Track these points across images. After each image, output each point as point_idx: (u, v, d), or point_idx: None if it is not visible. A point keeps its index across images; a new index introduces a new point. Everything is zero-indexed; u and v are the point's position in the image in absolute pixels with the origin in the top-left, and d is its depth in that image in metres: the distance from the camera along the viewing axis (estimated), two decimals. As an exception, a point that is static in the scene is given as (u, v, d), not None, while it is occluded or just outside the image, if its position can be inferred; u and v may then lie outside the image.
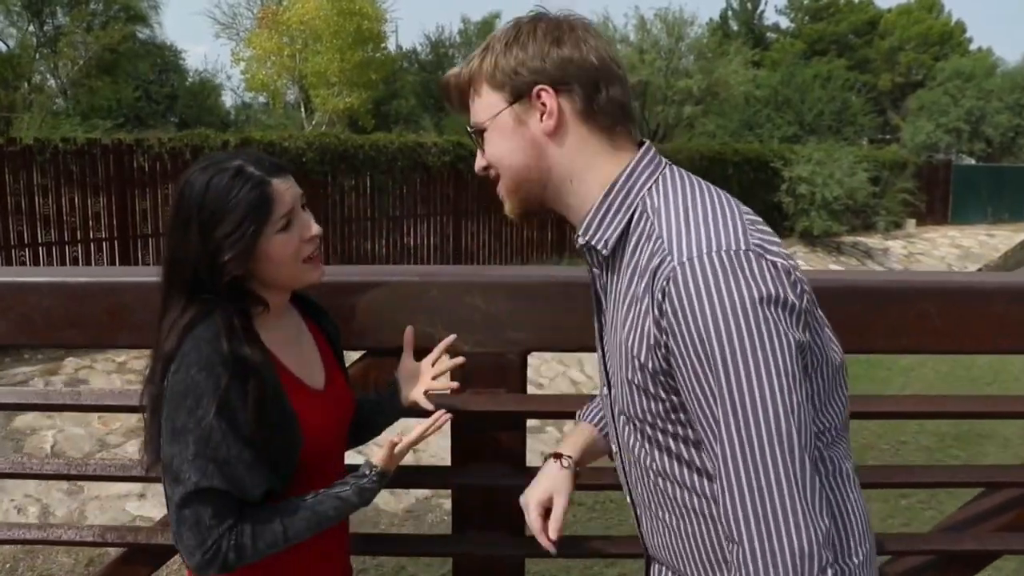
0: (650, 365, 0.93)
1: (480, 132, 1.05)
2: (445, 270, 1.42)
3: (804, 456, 0.87)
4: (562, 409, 1.33)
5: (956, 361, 9.01)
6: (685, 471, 0.99)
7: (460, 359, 1.31)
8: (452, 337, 1.31)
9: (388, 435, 1.26)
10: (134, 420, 6.34)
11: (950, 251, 19.36)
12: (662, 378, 0.94)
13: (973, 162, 28.70)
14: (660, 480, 1.03)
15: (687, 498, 1.01)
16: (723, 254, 0.89)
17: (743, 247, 0.89)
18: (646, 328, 0.93)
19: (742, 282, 0.87)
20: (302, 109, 16.84)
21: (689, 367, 0.89)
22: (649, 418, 0.98)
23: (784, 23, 41.62)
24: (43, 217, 7.68)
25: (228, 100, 24.80)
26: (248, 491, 1.12)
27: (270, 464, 1.14)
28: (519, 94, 1.01)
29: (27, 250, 7.71)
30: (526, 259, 12.40)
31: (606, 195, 1.00)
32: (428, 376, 1.30)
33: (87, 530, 1.57)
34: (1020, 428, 6.32)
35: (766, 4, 49.02)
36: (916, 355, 9.46)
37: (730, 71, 19.68)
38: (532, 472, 1.26)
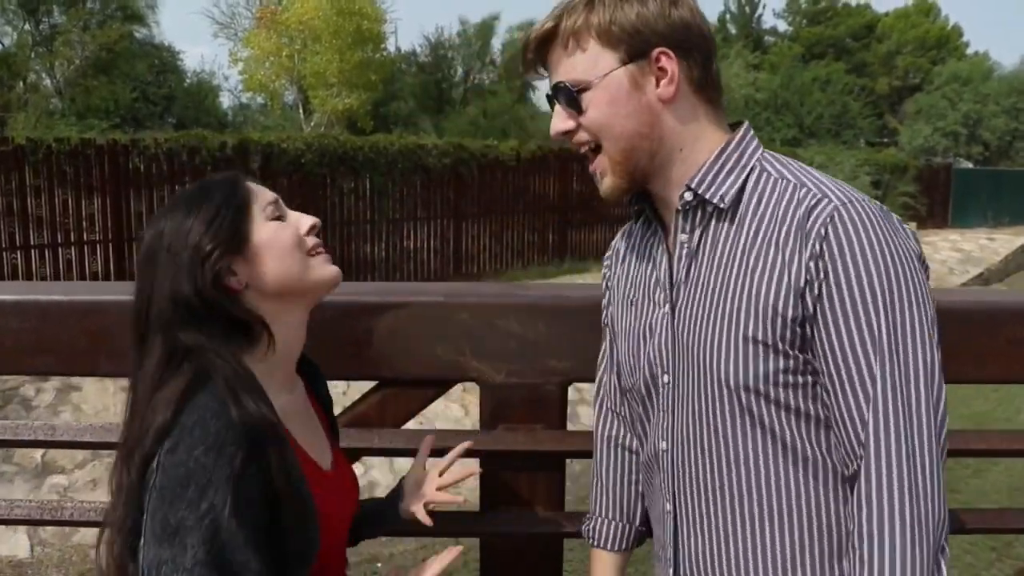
0: (790, 313, 0.88)
1: (579, 91, 0.94)
2: (475, 289, 1.24)
3: (943, 418, 0.86)
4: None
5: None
6: (785, 457, 0.91)
7: (474, 468, 1.13)
8: (468, 444, 1.13)
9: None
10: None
11: (951, 255, 19.28)
12: (799, 329, 0.88)
13: (970, 165, 28.72)
14: (740, 473, 0.93)
15: (773, 491, 0.92)
16: (877, 205, 0.88)
17: (886, 208, 0.89)
18: (793, 272, 0.88)
19: (900, 233, 0.88)
20: (300, 110, 16.68)
21: (847, 304, 0.85)
22: (763, 386, 0.90)
23: (782, 27, 41.66)
24: (36, 219, 7.52)
25: (226, 101, 24.68)
26: (284, 554, 0.88)
27: (281, 568, 0.90)
28: (638, 54, 0.93)
29: (19, 252, 7.55)
30: (527, 262, 12.27)
31: (720, 153, 0.96)
32: (433, 486, 1.10)
33: None
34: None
35: (764, 8, 49.07)
36: (1006, 386, 8.90)
37: (731, 74, 19.59)
38: (573, 518, 1.11)
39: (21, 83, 15.14)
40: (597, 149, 0.97)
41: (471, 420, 6.05)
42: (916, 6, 40.44)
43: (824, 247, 0.85)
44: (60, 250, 7.77)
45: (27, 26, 16.87)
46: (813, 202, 0.88)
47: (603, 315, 1.14)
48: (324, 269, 0.99)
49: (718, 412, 0.93)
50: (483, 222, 11.67)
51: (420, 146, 10.96)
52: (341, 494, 1.03)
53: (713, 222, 0.95)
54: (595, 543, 1.16)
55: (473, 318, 1.20)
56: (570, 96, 0.95)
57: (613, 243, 1.15)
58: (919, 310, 0.85)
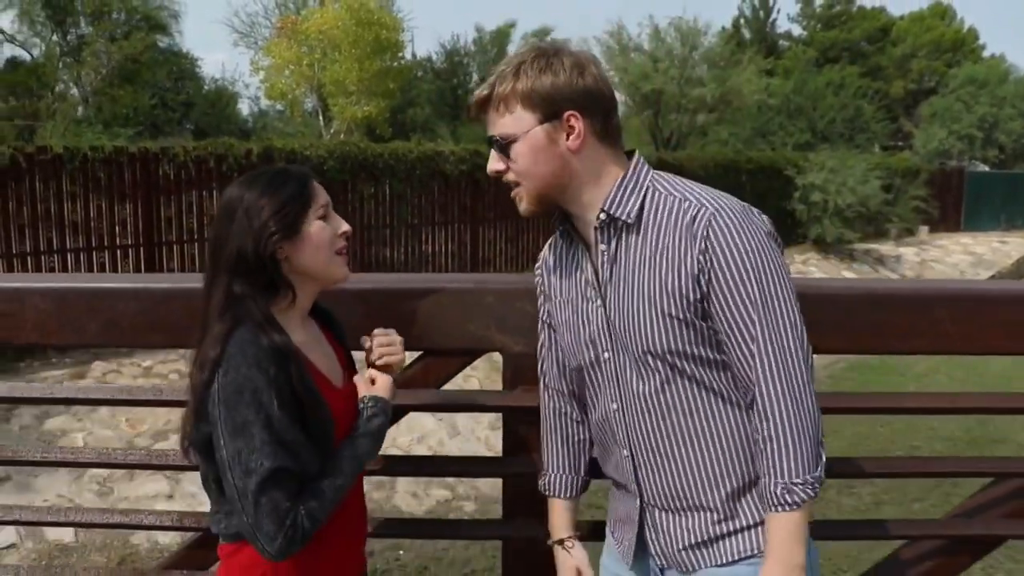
0: (691, 294, 1.19)
1: (508, 143, 1.24)
2: (498, 278, 1.53)
3: (807, 350, 1.20)
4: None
5: (970, 368, 9.05)
6: (705, 396, 1.24)
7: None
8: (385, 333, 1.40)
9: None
10: (160, 423, 6.49)
11: (963, 258, 19.31)
12: (699, 304, 1.20)
13: (986, 169, 28.58)
14: (676, 414, 1.25)
15: (702, 423, 1.24)
16: (739, 205, 1.21)
17: (745, 205, 1.23)
18: (688, 264, 1.19)
19: (757, 222, 1.21)
20: (320, 117, 17.02)
21: (730, 281, 1.18)
22: (681, 347, 1.21)
23: (796, 31, 41.61)
24: (72, 224, 7.84)
25: (244, 108, 25.09)
26: (308, 469, 1.20)
27: (314, 447, 1.22)
28: (552, 116, 1.22)
29: (56, 256, 7.88)
30: (541, 266, 12.49)
31: (621, 182, 1.25)
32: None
33: (165, 516, 1.69)
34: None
35: (778, 12, 48.94)
36: (931, 363, 9.45)
37: (744, 80, 19.73)
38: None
39: (49, 93, 15.59)
40: (518, 183, 1.27)
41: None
42: (931, 9, 40.24)
43: (707, 244, 1.18)
44: (94, 254, 8.09)
45: (55, 37, 17.37)
46: (695, 211, 1.20)
47: (540, 312, 1.43)
48: (340, 269, 1.32)
49: (651, 373, 1.24)
50: (499, 227, 11.93)
51: (438, 153, 11.23)
52: (349, 404, 1.33)
53: (623, 234, 1.25)
54: (552, 494, 1.45)
55: (497, 300, 1.51)
56: (501, 146, 1.25)
57: (541, 255, 1.45)
58: (778, 276, 1.19)
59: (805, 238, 16.82)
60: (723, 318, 1.19)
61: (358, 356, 1.43)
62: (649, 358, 1.23)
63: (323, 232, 1.27)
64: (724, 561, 1.27)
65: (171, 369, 7.45)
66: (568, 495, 1.44)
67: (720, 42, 21.50)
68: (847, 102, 25.06)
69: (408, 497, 5.89)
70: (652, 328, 1.22)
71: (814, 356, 1.27)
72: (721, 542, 1.27)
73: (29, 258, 7.65)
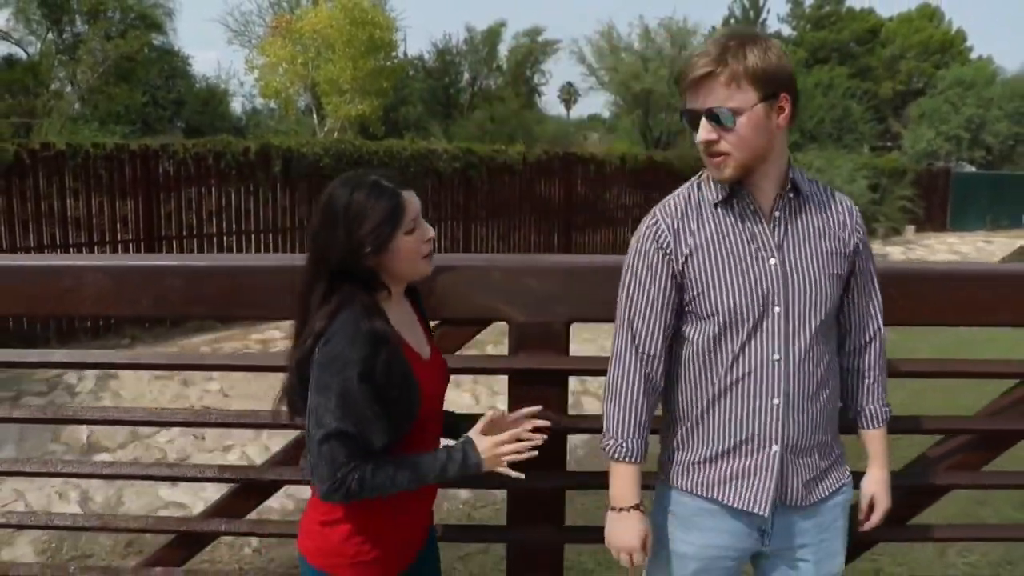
0: (846, 262, 1.51)
1: (734, 115, 1.37)
2: (504, 257, 1.76)
3: None
4: (596, 368, 1.67)
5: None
6: (832, 344, 1.54)
7: (536, 441, 1.53)
8: (526, 417, 1.57)
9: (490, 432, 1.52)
10: (163, 403, 6.66)
11: (948, 257, 19.64)
12: (847, 269, 1.52)
13: (973, 169, 28.93)
14: (823, 361, 1.49)
15: (832, 367, 1.52)
16: None
17: None
18: (846, 238, 1.51)
19: None
20: (314, 116, 17.17)
21: (865, 253, 1.55)
22: (835, 301, 1.50)
23: (786, 31, 41.89)
24: (74, 220, 7.97)
25: (236, 106, 25.15)
26: (372, 441, 1.38)
27: (392, 422, 1.41)
28: (771, 95, 1.39)
29: (58, 251, 8.02)
30: (533, 263, 12.68)
31: (790, 160, 1.49)
32: (499, 436, 1.51)
33: (208, 468, 1.90)
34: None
35: (768, 12, 49.16)
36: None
37: (732, 79, 19.94)
38: (573, 418, 1.60)
39: (45, 90, 15.66)
40: (729, 153, 1.40)
41: (481, 407, 6.48)
42: (920, 11, 40.58)
43: (858, 225, 1.52)
44: (96, 249, 8.23)
45: (51, 35, 17.43)
46: (841, 198, 1.54)
47: (657, 278, 1.47)
48: (425, 268, 1.49)
49: (816, 323, 1.46)
50: (491, 224, 12.11)
51: (431, 150, 11.40)
52: (435, 373, 1.54)
53: (792, 204, 1.48)
54: (632, 459, 1.50)
55: (503, 277, 1.73)
56: (723, 118, 1.37)
57: (668, 220, 1.49)
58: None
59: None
60: (859, 280, 1.54)
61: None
62: (818, 309, 1.46)
63: (410, 244, 1.44)
64: (829, 492, 1.52)
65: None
66: (638, 459, 1.52)
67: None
68: (836, 102, 25.34)
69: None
70: (824, 285, 1.46)
71: None
72: (828, 474, 1.52)
73: (32, 254, 7.80)
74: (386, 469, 1.39)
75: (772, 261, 1.44)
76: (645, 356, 1.48)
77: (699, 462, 1.50)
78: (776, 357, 1.44)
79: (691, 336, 1.49)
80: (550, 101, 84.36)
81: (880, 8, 41.41)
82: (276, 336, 8.35)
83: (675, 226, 1.47)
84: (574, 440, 1.98)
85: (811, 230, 1.47)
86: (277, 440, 5.52)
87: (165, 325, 8.40)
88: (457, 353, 1.78)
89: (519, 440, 1.51)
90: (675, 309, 1.49)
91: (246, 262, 1.79)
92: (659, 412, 1.58)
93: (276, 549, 4.42)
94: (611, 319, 1.54)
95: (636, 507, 1.50)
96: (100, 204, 8.16)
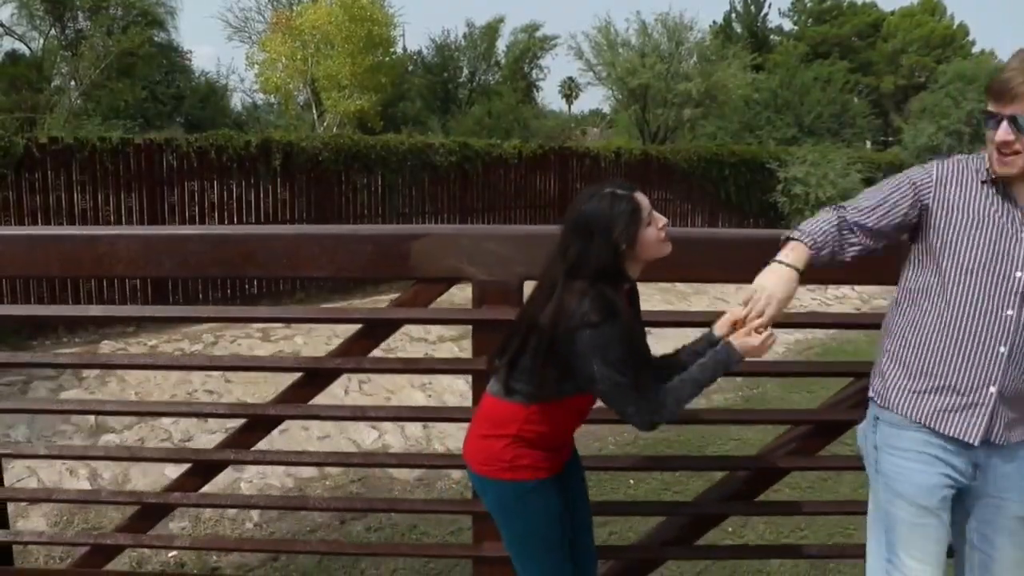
0: None
1: None
2: (471, 228, 2.07)
3: None
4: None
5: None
6: None
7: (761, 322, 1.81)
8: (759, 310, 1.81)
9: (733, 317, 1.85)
10: (167, 396, 6.90)
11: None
12: None
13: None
14: None
15: None
16: None
17: None
18: None
19: None
20: (313, 111, 17.41)
21: None
22: None
23: (787, 26, 41.95)
24: (81, 212, 8.21)
25: (235, 100, 25.37)
26: (650, 375, 1.77)
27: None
28: None
29: (65, 242, 8.26)
30: (529, 255, 12.87)
31: None
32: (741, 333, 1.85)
33: (219, 406, 2.15)
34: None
35: (769, 7, 49.15)
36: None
37: (728, 75, 20.16)
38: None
39: (48, 86, 15.91)
40: (1019, 152, 1.66)
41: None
42: (922, 5, 40.57)
43: None
44: (101, 240, 8.46)
45: (53, 31, 17.68)
46: None
47: (909, 198, 1.77)
48: (666, 248, 1.83)
49: None
50: (487, 217, 12.31)
51: (428, 145, 11.61)
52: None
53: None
54: (800, 239, 1.80)
55: (469, 242, 2.06)
56: (1022, 124, 1.63)
57: (933, 171, 1.79)
58: None
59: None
60: None
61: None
62: None
63: (652, 235, 1.80)
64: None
65: (174, 347, 7.87)
66: (814, 250, 1.78)
67: (709, 36, 21.90)
68: (834, 97, 25.43)
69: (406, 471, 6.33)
70: None
71: None
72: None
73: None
74: (679, 388, 1.77)
75: (1021, 237, 1.69)
76: (845, 221, 1.79)
77: (921, 391, 1.76)
78: (1009, 312, 1.69)
79: (932, 279, 1.76)
80: (551, 96, 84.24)
81: (882, 2, 41.53)
82: (276, 324, 8.58)
83: (941, 177, 1.78)
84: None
85: None
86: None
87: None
88: (430, 307, 2.12)
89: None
90: (896, 224, 1.78)
91: (255, 231, 2.10)
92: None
93: (276, 523, 4.65)
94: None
95: (797, 270, 1.77)
96: (106, 196, 8.39)
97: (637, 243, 1.78)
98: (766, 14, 40.10)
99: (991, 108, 1.71)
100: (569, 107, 48.72)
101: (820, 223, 1.83)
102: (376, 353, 2.09)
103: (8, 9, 17.24)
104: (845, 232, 1.82)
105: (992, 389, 1.70)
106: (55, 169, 7.99)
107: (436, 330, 8.42)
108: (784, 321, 1.82)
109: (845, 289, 12.31)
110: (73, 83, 16.53)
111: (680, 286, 11.14)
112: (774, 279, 1.76)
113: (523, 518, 1.85)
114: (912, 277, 1.83)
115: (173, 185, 8.89)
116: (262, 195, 9.65)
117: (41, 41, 17.77)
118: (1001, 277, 1.69)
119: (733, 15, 39.63)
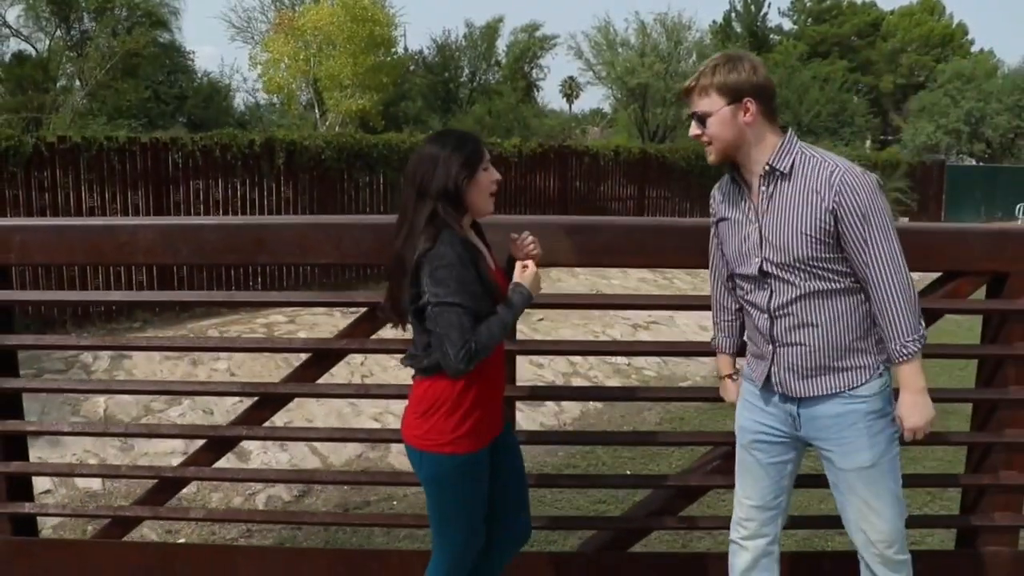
0: (826, 224, 1.83)
1: (705, 117, 1.89)
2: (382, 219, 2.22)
3: (902, 252, 1.86)
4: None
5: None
6: (834, 287, 1.88)
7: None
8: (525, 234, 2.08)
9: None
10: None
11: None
12: (829, 231, 1.83)
13: (973, 163, 29.05)
14: (811, 300, 1.89)
15: (830, 304, 1.89)
16: (858, 167, 1.85)
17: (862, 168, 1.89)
18: (825, 204, 1.82)
19: (872, 181, 1.85)
20: (316, 110, 17.54)
21: (854, 222, 1.81)
22: (813, 255, 1.85)
23: (787, 25, 42.00)
24: (89, 209, 8.33)
25: (238, 100, 25.49)
26: (482, 312, 1.85)
27: (486, 300, 1.89)
28: (735, 100, 1.87)
29: (73, 239, 8.40)
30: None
31: (779, 146, 1.89)
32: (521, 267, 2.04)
33: (232, 385, 2.30)
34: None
35: (769, 6, 49.16)
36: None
37: (727, 74, 20.21)
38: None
39: (53, 86, 16.05)
40: (710, 143, 1.91)
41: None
42: (921, 4, 40.58)
43: (839, 192, 1.81)
44: (108, 237, 8.59)
45: (59, 32, 17.83)
46: (831, 168, 1.82)
47: (712, 231, 2.09)
48: (490, 206, 1.97)
49: (798, 275, 1.88)
50: (487, 215, 12.42)
51: (429, 144, 11.71)
52: (501, 278, 2.02)
53: (778, 181, 1.88)
54: (721, 350, 2.18)
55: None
56: (701, 119, 1.89)
57: (713, 192, 2.09)
58: (886, 220, 1.83)
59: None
60: (849, 237, 1.83)
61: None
62: (795, 263, 1.88)
63: (487, 179, 1.93)
64: (827, 392, 1.92)
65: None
66: (729, 352, 2.18)
67: (708, 35, 22.01)
68: (833, 96, 25.52)
69: (403, 456, 6.48)
70: (796, 243, 1.86)
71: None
72: (828, 378, 1.92)
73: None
74: (484, 329, 1.84)
75: (755, 225, 1.93)
76: (715, 279, 2.18)
77: (749, 353, 2.11)
78: (763, 292, 1.96)
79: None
80: (552, 95, 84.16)
81: (881, 2, 41.61)
82: (280, 320, 8.75)
83: (714, 200, 2.09)
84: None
85: (789, 198, 1.87)
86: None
87: (175, 310, 8.80)
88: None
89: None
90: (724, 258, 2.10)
91: (267, 220, 2.24)
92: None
93: (303, 499, 4.80)
94: None
95: (730, 375, 2.22)
96: (113, 194, 8.53)
97: (474, 181, 1.89)
98: (766, 14, 40.17)
99: (686, 109, 1.98)
100: (570, 106, 48.81)
101: (714, 323, 2.20)
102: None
103: (15, 11, 17.44)
104: (723, 307, 2.16)
105: (768, 346, 1.98)
106: (63, 168, 8.12)
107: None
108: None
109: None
110: (78, 83, 16.68)
111: (677, 283, 11.28)
112: (727, 392, 2.23)
113: (454, 490, 1.96)
114: None
115: (179, 183, 9.02)
116: (266, 193, 9.79)
117: (47, 42, 17.93)
118: (749, 266, 1.96)
119: (733, 15, 39.70)
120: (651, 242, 2.24)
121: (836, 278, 1.87)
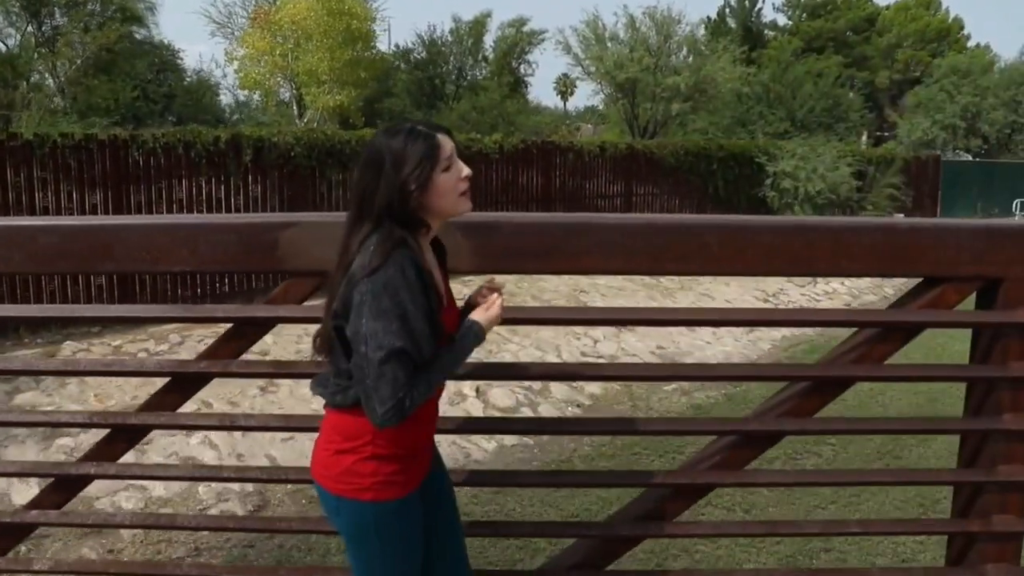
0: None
1: None
2: (344, 214, 1.81)
3: None
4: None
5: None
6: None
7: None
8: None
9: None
10: (127, 398, 6.69)
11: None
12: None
13: (969, 158, 28.89)
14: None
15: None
16: None
17: None
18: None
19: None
20: (295, 107, 17.19)
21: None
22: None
23: (782, 20, 41.80)
24: (43, 210, 7.98)
25: (224, 99, 25.17)
26: (423, 356, 1.52)
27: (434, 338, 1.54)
28: None
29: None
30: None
31: None
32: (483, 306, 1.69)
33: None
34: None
35: (764, 1, 49.02)
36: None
37: (717, 68, 19.96)
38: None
39: (24, 83, 15.68)
40: None
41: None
42: (917, -1, 40.51)
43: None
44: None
45: (30, 28, 17.43)
46: None
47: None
48: (463, 205, 1.63)
49: None
50: (468, 213, 12.11)
51: (406, 140, 11.38)
52: (451, 317, 1.66)
53: None
54: None
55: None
56: None
57: None
58: None
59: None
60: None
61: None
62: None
63: (448, 181, 1.58)
64: None
65: (139, 348, 7.65)
66: None
67: (701, 30, 21.75)
68: (827, 91, 25.28)
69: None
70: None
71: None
72: None
73: None
74: (422, 378, 1.52)
75: None
76: None
77: None
78: None
79: None
80: (546, 92, 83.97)
81: (875, -4, 41.33)
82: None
83: None
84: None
85: None
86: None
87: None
88: (303, 304, 1.89)
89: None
90: None
91: (111, 221, 2.01)
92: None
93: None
94: None
95: None
96: (69, 194, 8.18)
97: (430, 187, 1.55)
98: (760, 9, 39.99)
99: None
100: (564, 104, 48.54)
101: None
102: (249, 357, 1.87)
103: (-16, 7, 17.02)
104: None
105: None
106: (15, 166, 7.76)
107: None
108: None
109: (835, 284, 12.13)
110: (51, 80, 16.30)
111: (664, 281, 10.96)
112: None
113: (381, 541, 1.61)
114: None
115: (140, 183, 8.67)
116: (232, 192, 9.44)
117: (17, 38, 17.53)
118: None
119: (727, 10, 39.48)
120: (566, 244, 1.84)
121: None
